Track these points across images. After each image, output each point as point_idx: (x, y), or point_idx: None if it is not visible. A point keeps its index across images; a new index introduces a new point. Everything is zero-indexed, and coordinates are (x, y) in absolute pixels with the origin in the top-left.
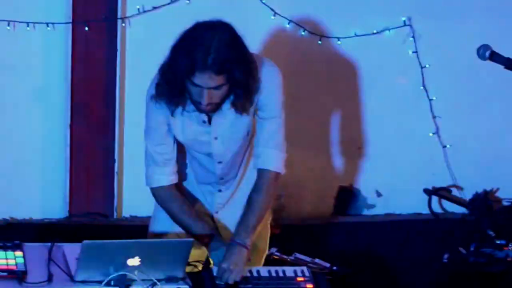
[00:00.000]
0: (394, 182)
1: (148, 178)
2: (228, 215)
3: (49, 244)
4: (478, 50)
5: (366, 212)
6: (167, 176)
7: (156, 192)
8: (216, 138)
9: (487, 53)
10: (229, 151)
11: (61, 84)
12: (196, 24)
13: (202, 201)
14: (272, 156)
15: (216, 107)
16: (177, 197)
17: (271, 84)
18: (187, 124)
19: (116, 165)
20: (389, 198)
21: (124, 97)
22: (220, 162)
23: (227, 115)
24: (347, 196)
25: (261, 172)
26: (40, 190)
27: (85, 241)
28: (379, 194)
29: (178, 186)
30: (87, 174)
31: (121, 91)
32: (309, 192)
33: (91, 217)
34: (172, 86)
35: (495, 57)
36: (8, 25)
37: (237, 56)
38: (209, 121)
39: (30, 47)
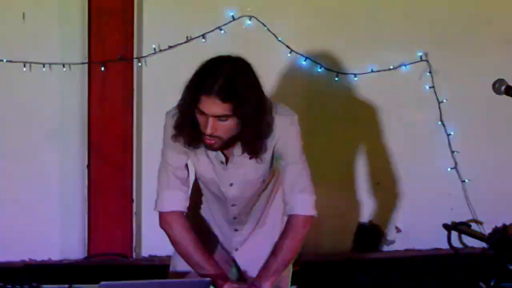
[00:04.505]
0: (413, 217)
1: (161, 202)
2: (249, 253)
3: (67, 286)
4: (494, 84)
5: (386, 248)
6: (181, 202)
7: (168, 218)
8: (231, 184)
9: (503, 88)
10: (243, 196)
11: (78, 124)
12: (214, 57)
13: (220, 238)
14: (298, 200)
15: (222, 144)
16: (190, 230)
17: (286, 134)
18: (205, 162)
19: (134, 204)
20: (408, 234)
21: (141, 137)
22: (233, 205)
23: (241, 162)
24: (367, 232)
25: (289, 217)
26: (59, 230)
27: (103, 282)
28: (398, 230)
29: (196, 223)
30: (106, 214)
31: (138, 130)
32: (329, 229)
33: (110, 257)
34: (185, 119)
35: (510, 91)
36: (24, 66)
37: (246, 90)
38: (226, 162)
39: (46, 88)
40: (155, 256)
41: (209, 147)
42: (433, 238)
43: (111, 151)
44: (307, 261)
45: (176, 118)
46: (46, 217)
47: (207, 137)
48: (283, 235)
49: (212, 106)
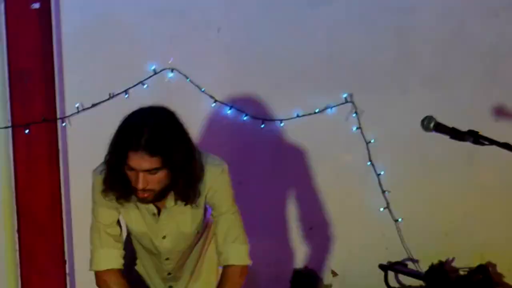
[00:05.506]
0: (349, 259)
1: (96, 261)
2: None
3: None
4: (423, 121)
5: None
6: (116, 259)
7: (104, 277)
8: (164, 237)
9: (432, 124)
10: (177, 249)
11: (5, 189)
12: (136, 110)
13: None
14: (232, 251)
15: (155, 196)
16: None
17: (217, 183)
18: (137, 216)
19: (67, 266)
20: (345, 277)
21: (69, 197)
22: (167, 259)
23: (174, 212)
24: (303, 278)
25: (224, 268)
26: None
27: None
28: (334, 274)
29: (131, 279)
30: (39, 278)
31: (65, 191)
32: (264, 277)
33: None
34: (114, 174)
35: (439, 127)
36: None
37: (174, 140)
38: (159, 213)
39: None
40: None
41: (143, 201)
42: (369, 280)
43: (40, 214)
44: None
45: (105, 173)
46: None
47: (140, 191)
48: (220, 287)
49: (141, 161)
